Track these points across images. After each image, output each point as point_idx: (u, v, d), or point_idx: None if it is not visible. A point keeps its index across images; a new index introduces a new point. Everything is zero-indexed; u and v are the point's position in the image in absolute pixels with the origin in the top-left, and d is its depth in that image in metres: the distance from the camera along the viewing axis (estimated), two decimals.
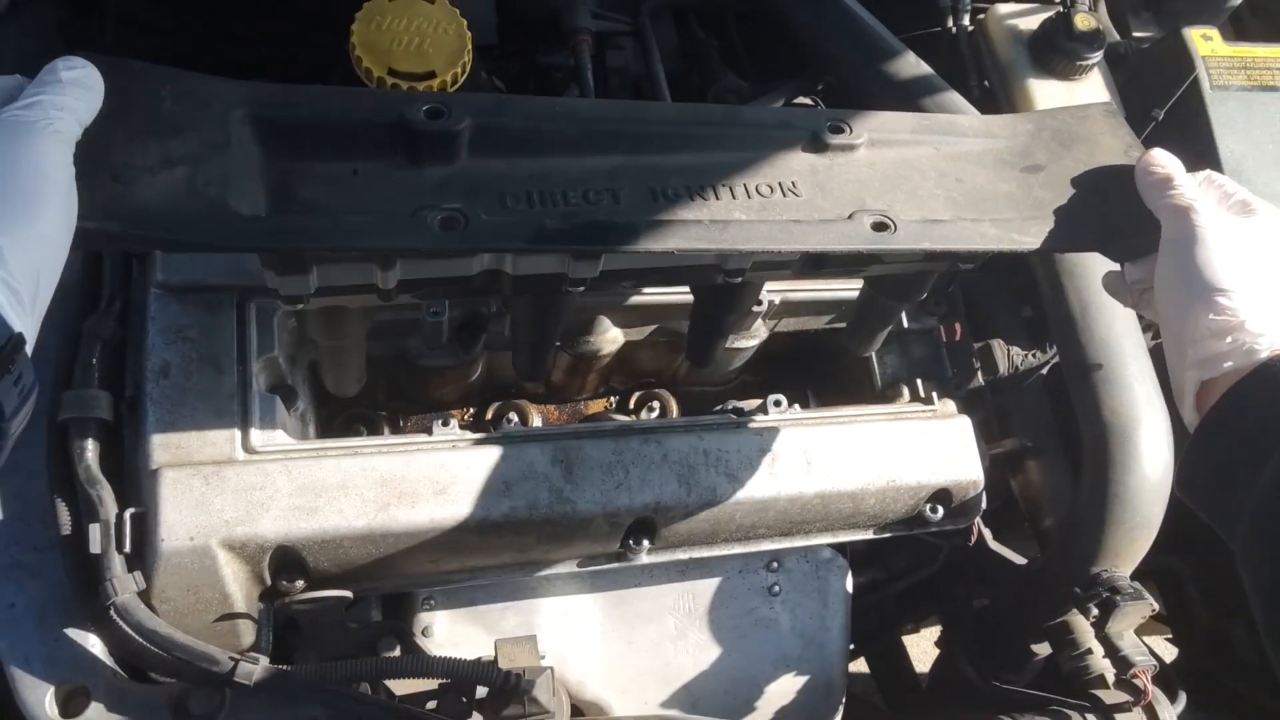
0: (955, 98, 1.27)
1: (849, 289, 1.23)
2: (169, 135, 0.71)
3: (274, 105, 0.76)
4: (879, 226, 0.82)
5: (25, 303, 0.59)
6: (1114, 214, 0.89)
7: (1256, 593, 0.70)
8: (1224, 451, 0.74)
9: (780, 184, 0.85)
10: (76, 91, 0.67)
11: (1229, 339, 0.74)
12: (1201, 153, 1.29)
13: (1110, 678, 1.15)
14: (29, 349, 0.59)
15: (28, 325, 0.59)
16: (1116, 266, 0.92)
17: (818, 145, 0.88)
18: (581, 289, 0.85)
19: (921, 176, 0.89)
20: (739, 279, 0.89)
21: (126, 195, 0.67)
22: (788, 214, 0.82)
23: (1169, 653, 1.61)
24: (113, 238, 0.67)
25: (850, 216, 0.83)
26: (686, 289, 1.15)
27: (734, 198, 0.82)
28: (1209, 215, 0.80)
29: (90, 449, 0.95)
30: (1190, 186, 0.84)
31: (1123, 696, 1.13)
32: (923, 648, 1.82)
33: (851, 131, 0.89)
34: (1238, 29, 1.60)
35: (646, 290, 1.17)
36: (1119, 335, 1.16)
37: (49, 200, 0.62)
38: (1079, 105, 1.00)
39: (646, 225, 0.78)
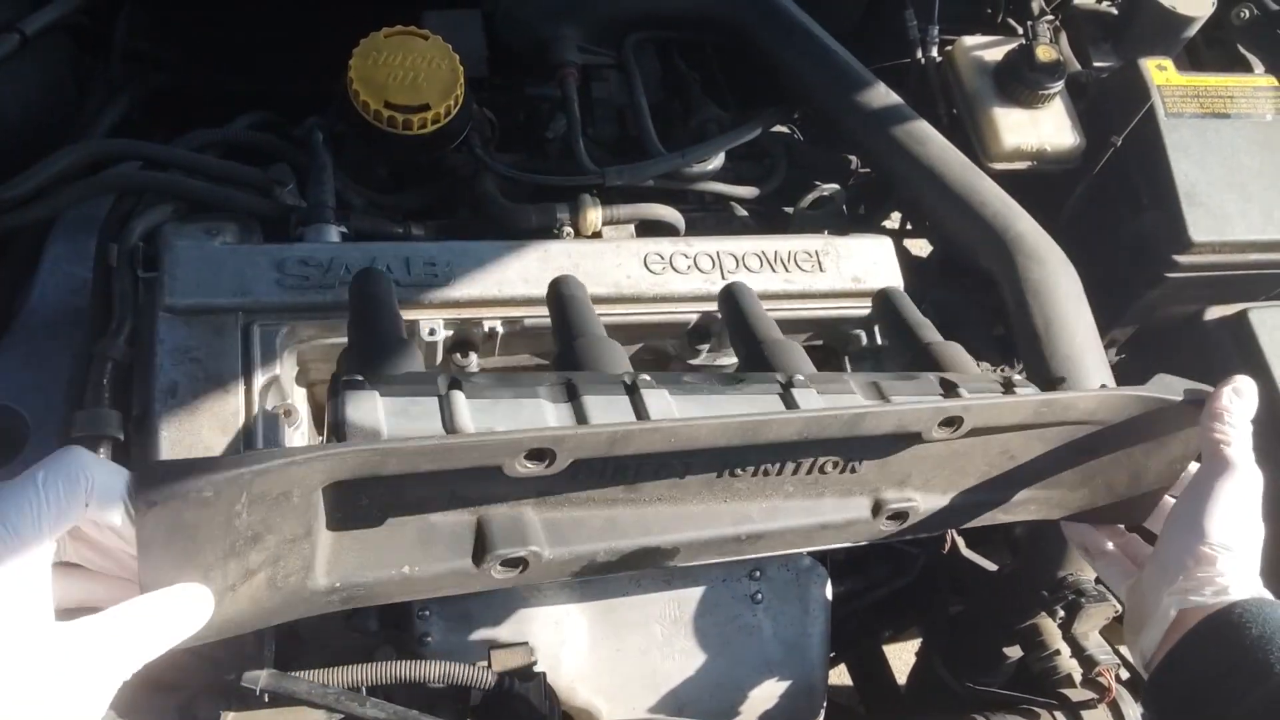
0: (923, 125, 1.33)
1: (828, 309, 1.28)
2: (248, 548, 0.63)
3: (365, 468, 0.65)
4: (896, 516, 0.82)
5: None
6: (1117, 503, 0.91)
7: None
8: (1192, 684, 0.77)
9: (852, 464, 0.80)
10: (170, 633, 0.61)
11: (1213, 581, 0.78)
12: (1156, 176, 1.36)
13: (1078, 677, 1.19)
14: None
15: None
16: None
17: (912, 440, 0.80)
18: None
19: (982, 453, 0.84)
20: None
21: (210, 617, 0.64)
22: (823, 506, 0.81)
23: None
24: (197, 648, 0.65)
25: (875, 513, 0.82)
26: (672, 310, 1.21)
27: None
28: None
29: None
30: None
31: (1089, 694, 1.17)
32: (905, 659, 1.86)
33: (959, 428, 0.79)
34: (1194, 59, 1.66)
35: (633, 310, 1.22)
36: (1080, 351, 1.21)
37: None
38: (1188, 401, 0.87)
39: (688, 544, 0.78)
